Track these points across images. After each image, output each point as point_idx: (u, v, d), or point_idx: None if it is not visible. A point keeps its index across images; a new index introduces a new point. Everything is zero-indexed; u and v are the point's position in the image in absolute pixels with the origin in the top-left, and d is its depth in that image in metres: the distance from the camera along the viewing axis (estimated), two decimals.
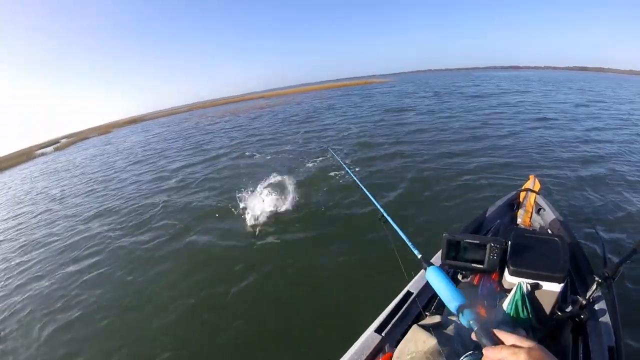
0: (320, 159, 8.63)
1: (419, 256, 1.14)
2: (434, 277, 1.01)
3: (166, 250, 5.20)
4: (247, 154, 11.07)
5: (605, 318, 1.66)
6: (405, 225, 4.61)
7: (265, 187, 6.29)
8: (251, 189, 6.36)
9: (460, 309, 0.84)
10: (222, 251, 4.84)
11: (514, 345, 0.67)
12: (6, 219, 9.36)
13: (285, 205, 5.68)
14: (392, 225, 1.48)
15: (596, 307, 1.71)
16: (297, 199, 5.91)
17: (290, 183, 6.38)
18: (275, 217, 5.39)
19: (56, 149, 31.25)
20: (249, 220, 5.45)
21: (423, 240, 4.22)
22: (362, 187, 2.06)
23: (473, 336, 0.75)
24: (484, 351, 0.70)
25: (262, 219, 5.35)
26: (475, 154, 7.82)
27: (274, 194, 5.96)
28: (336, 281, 3.70)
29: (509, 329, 1.03)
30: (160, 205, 7.39)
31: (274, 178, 6.79)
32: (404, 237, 1.32)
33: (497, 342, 0.71)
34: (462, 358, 0.86)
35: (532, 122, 11.06)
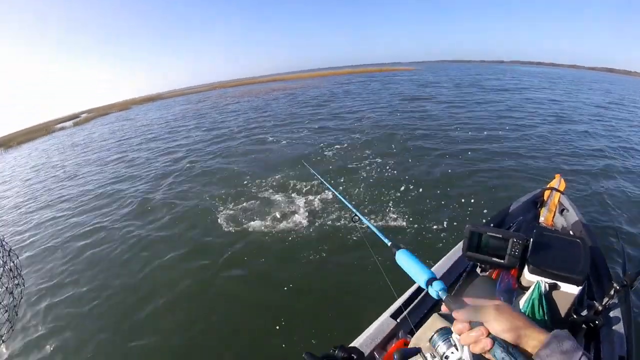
0: (337, 146, 8.56)
1: (389, 243, 1.17)
2: (402, 258, 1.02)
3: (168, 232, 5.29)
4: (260, 136, 11.11)
5: (620, 326, 1.64)
6: (413, 213, 4.89)
7: (269, 181, 6.33)
8: (255, 180, 6.49)
9: (428, 282, 0.84)
10: (216, 240, 4.85)
11: (481, 305, 0.67)
12: (23, 193, 9.75)
13: (286, 204, 5.56)
14: (364, 222, 1.53)
15: (611, 314, 1.68)
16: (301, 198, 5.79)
17: (297, 179, 6.39)
18: (272, 215, 5.24)
19: (75, 124, 31.79)
20: (246, 214, 5.43)
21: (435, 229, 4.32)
22: (337, 194, 2.09)
23: (443, 307, 0.76)
24: (453, 314, 0.70)
25: (257, 215, 5.30)
26: (491, 148, 7.70)
27: (278, 192, 5.96)
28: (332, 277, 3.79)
29: None
30: (167, 184, 7.61)
31: (282, 170, 6.86)
32: (374, 229, 1.34)
33: (466, 306, 0.70)
34: (432, 334, 0.88)
35: (551, 120, 10.78)
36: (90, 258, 4.95)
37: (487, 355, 0.64)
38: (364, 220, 1.50)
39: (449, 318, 1.32)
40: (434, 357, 0.89)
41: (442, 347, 0.83)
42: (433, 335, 0.85)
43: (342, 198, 1.97)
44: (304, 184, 6.22)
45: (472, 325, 0.66)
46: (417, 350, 1.00)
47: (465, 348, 0.71)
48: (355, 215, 1.65)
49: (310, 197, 5.65)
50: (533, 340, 0.61)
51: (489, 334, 0.63)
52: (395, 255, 1.08)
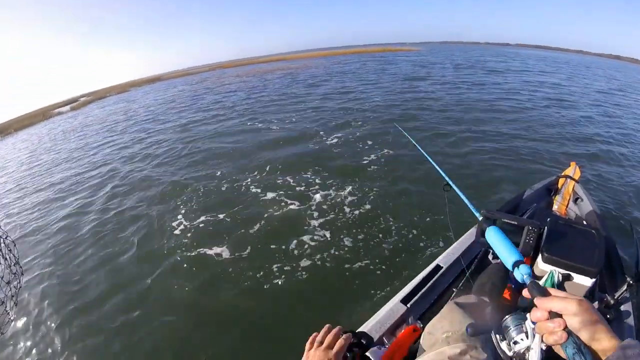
0: (337, 134, 8.29)
1: (480, 218, 1.18)
2: (493, 235, 1.06)
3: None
4: (251, 122, 10.79)
5: (630, 320, 1.63)
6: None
7: (261, 173, 6.26)
8: (242, 173, 6.39)
9: (515, 264, 0.86)
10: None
11: (564, 297, 0.66)
12: (17, 177, 9.77)
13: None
14: (455, 192, 1.53)
15: (622, 308, 1.68)
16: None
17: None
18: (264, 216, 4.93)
19: (72, 109, 31.36)
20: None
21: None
22: (430, 160, 2.03)
23: (525, 292, 0.75)
24: (535, 301, 0.69)
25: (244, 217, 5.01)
26: (494, 132, 7.64)
27: (268, 189, 5.67)
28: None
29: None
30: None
31: (275, 160, 6.74)
32: (466, 201, 1.33)
33: (548, 295, 0.69)
34: (506, 317, 0.88)
35: (551, 103, 10.67)
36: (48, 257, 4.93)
37: (556, 348, 0.65)
38: (456, 190, 1.48)
39: (465, 307, 1.31)
40: (503, 339, 0.90)
41: (513, 332, 0.84)
42: (507, 317, 0.86)
43: (435, 165, 1.94)
44: (300, 182, 5.84)
45: (551, 315, 0.65)
46: (489, 329, 1.02)
47: (537, 337, 0.71)
48: (447, 183, 1.65)
49: (312, 196, 5.32)
50: (605, 343, 0.60)
51: (565, 327, 0.62)
52: (485, 230, 1.11)
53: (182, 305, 3.46)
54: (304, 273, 3.68)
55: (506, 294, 1.61)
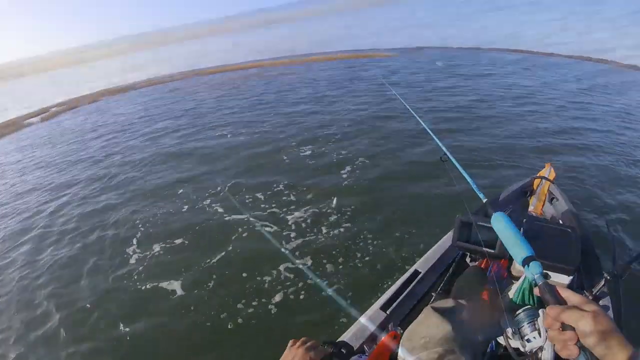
0: (309, 145, 8.10)
1: (484, 200, 1.09)
2: (501, 223, 0.94)
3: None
4: (217, 131, 10.56)
5: (609, 315, 1.66)
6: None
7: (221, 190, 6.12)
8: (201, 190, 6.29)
9: (526, 261, 0.80)
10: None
11: (577, 307, 0.64)
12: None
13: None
14: (455, 167, 1.46)
15: (600, 303, 1.70)
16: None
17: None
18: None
19: (43, 119, 30.32)
20: None
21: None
22: (429, 131, 2.03)
23: (536, 291, 0.73)
24: (547, 309, 0.67)
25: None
26: (466, 134, 7.84)
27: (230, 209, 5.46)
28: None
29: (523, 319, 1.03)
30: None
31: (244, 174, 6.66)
32: (469, 179, 1.28)
33: (561, 300, 0.68)
34: (519, 312, 0.86)
35: (519, 103, 10.88)
36: None
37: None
38: (454, 163, 1.43)
39: (444, 312, 1.30)
40: (515, 333, 0.88)
41: (526, 329, 0.83)
42: (520, 313, 0.84)
43: (432, 134, 1.94)
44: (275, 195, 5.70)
45: (563, 326, 0.64)
46: (500, 331, 0.99)
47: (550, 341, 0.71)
48: (445, 154, 1.59)
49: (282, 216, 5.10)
50: (618, 357, 0.58)
51: (577, 342, 0.61)
52: (491, 216, 1.01)
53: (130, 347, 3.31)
54: (274, 309, 3.41)
55: (485, 296, 1.62)
